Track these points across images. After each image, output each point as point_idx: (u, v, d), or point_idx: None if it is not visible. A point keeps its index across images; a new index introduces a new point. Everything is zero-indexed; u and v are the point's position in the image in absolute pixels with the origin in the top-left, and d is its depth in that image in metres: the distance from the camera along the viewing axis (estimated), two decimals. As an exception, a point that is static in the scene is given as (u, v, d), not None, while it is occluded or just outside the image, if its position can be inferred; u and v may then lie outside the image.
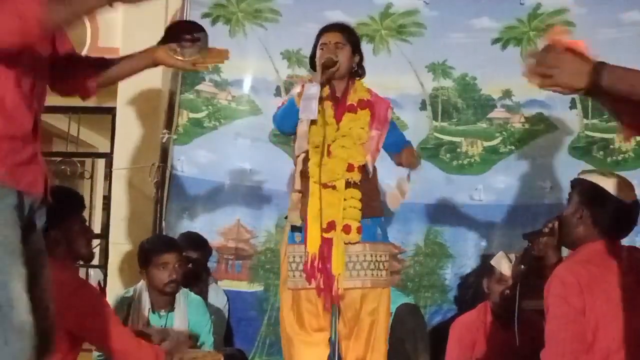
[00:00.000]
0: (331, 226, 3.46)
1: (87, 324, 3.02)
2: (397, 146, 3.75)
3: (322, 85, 3.46)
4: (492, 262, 4.05)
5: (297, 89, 3.59)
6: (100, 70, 2.55)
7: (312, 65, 3.73)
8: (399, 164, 3.71)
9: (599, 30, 4.97)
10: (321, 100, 3.47)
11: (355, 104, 3.60)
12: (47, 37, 2.24)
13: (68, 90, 2.54)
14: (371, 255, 3.52)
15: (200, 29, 2.59)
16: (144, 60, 2.59)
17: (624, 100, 2.39)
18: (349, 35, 3.70)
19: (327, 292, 3.46)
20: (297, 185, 3.54)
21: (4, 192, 2.12)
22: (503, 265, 3.91)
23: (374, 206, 3.60)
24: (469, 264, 4.64)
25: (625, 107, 2.50)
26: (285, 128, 3.63)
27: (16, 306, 2.08)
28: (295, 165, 3.56)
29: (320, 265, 3.44)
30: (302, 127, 3.48)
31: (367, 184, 3.58)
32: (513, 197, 5.10)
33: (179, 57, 2.54)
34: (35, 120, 2.26)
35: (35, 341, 2.10)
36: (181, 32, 2.56)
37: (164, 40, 2.56)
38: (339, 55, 3.58)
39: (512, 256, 3.95)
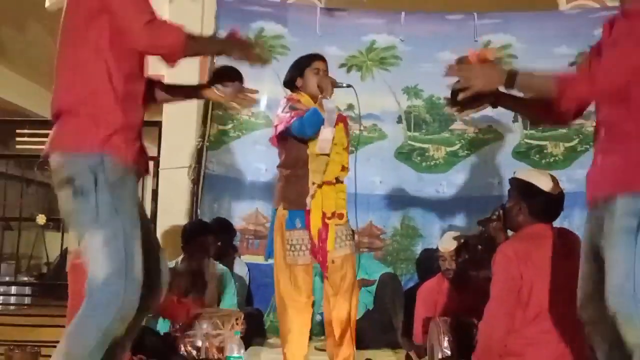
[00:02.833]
0: (332, 215, 3.46)
1: None
2: None
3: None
4: (439, 243, 4.06)
5: (295, 102, 3.51)
6: (162, 92, 2.57)
7: (291, 86, 3.64)
8: None
9: (537, 62, 4.92)
10: None
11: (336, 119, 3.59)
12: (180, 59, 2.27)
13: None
14: (346, 230, 3.54)
15: (238, 76, 2.56)
16: (195, 92, 2.63)
17: (525, 102, 2.44)
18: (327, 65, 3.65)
19: (323, 264, 3.48)
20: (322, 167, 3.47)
21: (130, 176, 2.17)
22: (448, 244, 3.92)
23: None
24: (435, 242, 4.64)
25: (526, 108, 2.55)
26: (309, 133, 3.41)
27: (134, 263, 2.12)
28: (316, 152, 3.44)
29: (320, 244, 3.45)
30: (327, 134, 3.38)
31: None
32: (469, 190, 5.12)
33: (221, 95, 2.56)
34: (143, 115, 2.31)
35: (142, 291, 2.14)
36: (223, 76, 2.55)
37: (211, 79, 2.57)
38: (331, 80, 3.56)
39: (461, 236, 3.96)
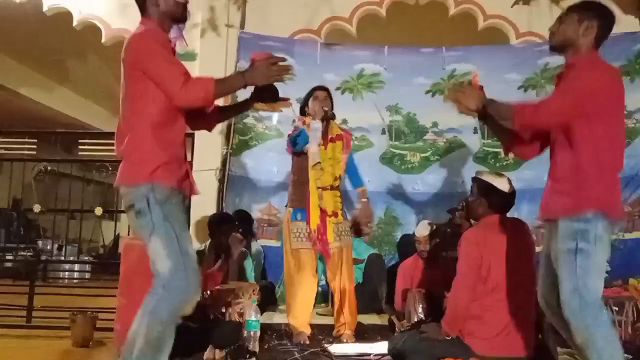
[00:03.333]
0: (326, 213, 3.50)
1: None
2: (356, 179, 3.76)
3: (322, 121, 3.50)
4: (415, 229, 4.03)
5: (301, 123, 3.58)
6: (218, 114, 2.59)
7: (302, 111, 3.70)
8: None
9: (492, 86, 4.87)
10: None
11: (334, 137, 3.60)
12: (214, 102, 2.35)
13: (200, 127, 2.61)
14: (343, 228, 3.59)
15: (274, 89, 2.51)
16: (245, 106, 2.63)
17: (502, 129, 2.44)
18: (329, 93, 3.69)
19: (324, 251, 3.51)
20: (318, 172, 3.51)
21: (174, 195, 2.26)
22: (422, 230, 3.90)
23: (342, 200, 3.64)
24: (412, 229, 4.62)
25: (503, 135, 2.54)
26: (298, 148, 3.54)
27: (190, 258, 2.20)
28: (311, 167, 3.51)
29: (319, 236, 3.46)
30: (314, 148, 3.46)
31: (340, 187, 3.65)
32: (438, 188, 5.11)
33: (264, 105, 2.54)
34: (185, 151, 2.41)
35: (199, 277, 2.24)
36: (265, 90, 2.48)
37: (253, 93, 2.52)
38: (328, 104, 3.59)
39: (433, 224, 3.94)
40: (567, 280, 2.11)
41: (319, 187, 3.50)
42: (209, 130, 2.62)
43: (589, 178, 2.15)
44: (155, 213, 2.17)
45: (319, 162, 3.48)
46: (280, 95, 2.51)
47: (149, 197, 2.18)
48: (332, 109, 3.62)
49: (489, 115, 2.40)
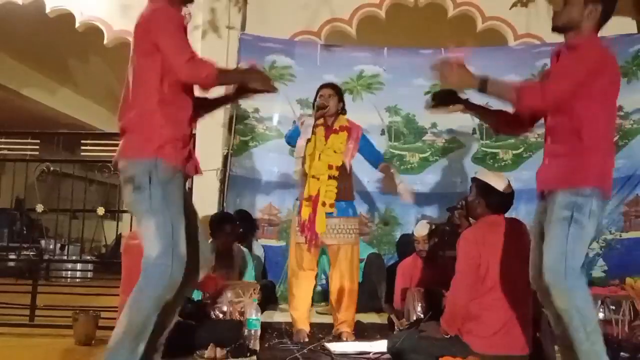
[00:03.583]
0: (315, 200, 3.53)
1: None
2: (374, 158, 3.78)
3: (317, 119, 3.55)
4: (414, 229, 4.03)
5: (300, 123, 3.67)
6: (208, 104, 2.59)
7: (314, 107, 3.76)
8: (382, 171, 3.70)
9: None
10: (317, 127, 3.55)
11: (337, 128, 3.65)
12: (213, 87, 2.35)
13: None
14: (343, 225, 3.56)
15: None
16: (235, 95, 2.60)
17: (487, 110, 2.46)
18: (337, 90, 3.75)
19: (310, 242, 3.53)
20: (299, 164, 3.63)
21: (177, 176, 2.23)
22: (421, 230, 3.91)
23: (348, 193, 3.63)
24: (411, 229, 4.63)
25: (489, 116, 2.56)
26: (291, 142, 3.72)
27: (179, 245, 2.15)
28: (296, 159, 3.63)
29: (308, 225, 3.48)
30: (300, 142, 3.56)
31: (345, 178, 3.61)
32: (438, 188, 5.10)
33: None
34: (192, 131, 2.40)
35: (186, 267, 2.18)
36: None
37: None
38: (330, 102, 3.62)
39: (432, 224, 3.94)
40: (555, 245, 2.15)
41: (312, 176, 3.55)
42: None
43: (590, 156, 2.21)
44: (155, 191, 2.14)
45: (302, 157, 3.56)
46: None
47: (152, 173, 2.15)
48: (342, 105, 3.74)
49: (475, 104, 2.41)
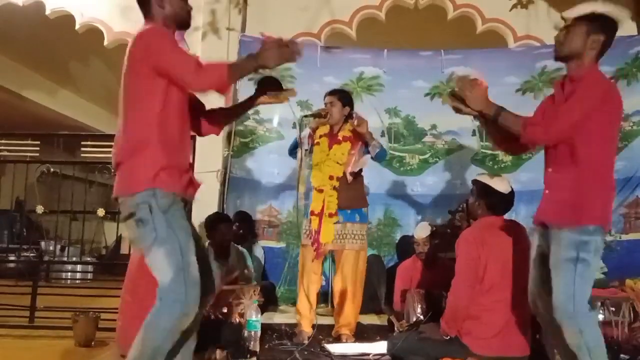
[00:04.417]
0: (318, 214, 3.56)
1: None
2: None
3: (313, 129, 3.56)
4: (414, 231, 4.03)
5: (303, 132, 3.65)
6: (223, 117, 2.55)
7: None
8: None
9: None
10: (322, 136, 3.55)
11: (341, 138, 3.63)
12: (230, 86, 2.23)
13: (207, 131, 2.51)
14: (348, 230, 3.58)
15: (276, 81, 2.52)
16: (250, 104, 2.56)
17: (496, 127, 2.47)
18: (339, 96, 3.71)
19: (317, 252, 3.57)
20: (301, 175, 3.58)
21: (178, 201, 2.15)
22: (421, 232, 3.90)
23: (355, 202, 3.63)
24: (411, 230, 4.64)
25: (496, 132, 2.57)
26: (291, 155, 3.77)
27: (192, 269, 2.08)
28: (299, 169, 3.58)
29: (316, 236, 3.50)
30: (299, 154, 3.55)
31: (351, 187, 3.61)
32: (437, 189, 5.12)
33: (269, 98, 2.50)
34: (190, 157, 2.32)
35: (200, 290, 2.10)
36: (266, 83, 2.50)
37: (257, 89, 2.51)
38: (332, 109, 3.62)
39: (432, 225, 3.94)
40: (563, 286, 2.18)
41: (315, 188, 3.56)
42: (217, 133, 2.55)
43: (592, 194, 2.23)
44: (158, 221, 2.05)
45: (300, 169, 3.55)
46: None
47: (151, 203, 2.06)
48: (349, 110, 3.69)
49: (488, 118, 2.42)
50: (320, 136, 3.63)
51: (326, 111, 3.61)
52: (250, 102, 2.54)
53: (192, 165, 2.36)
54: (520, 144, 2.47)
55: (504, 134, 2.46)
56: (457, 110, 2.45)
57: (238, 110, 2.69)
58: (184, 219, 2.18)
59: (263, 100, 2.51)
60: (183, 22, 2.30)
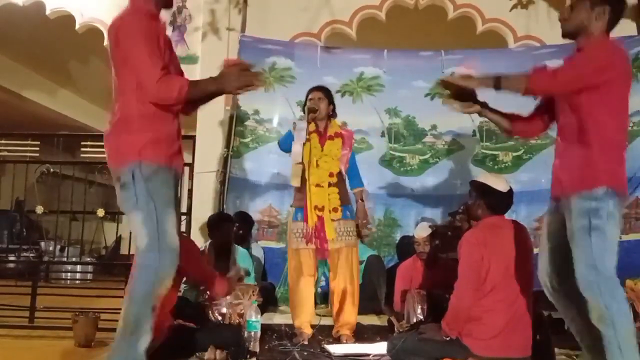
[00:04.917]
0: (321, 209, 3.50)
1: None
2: (352, 178, 3.71)
3: (308, 123, 3.53)
4: (415, 231, 4.02)
5: (293, 127, 3.62)
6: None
7: (304, 112, 3.71)
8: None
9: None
10: (310, 134, 3.54)
11: (333, 135, 3.63)
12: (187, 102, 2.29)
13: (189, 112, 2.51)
14: (343, 227, 3.54)
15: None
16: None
17: (502, 113, 2.46)
18: (326, 93, 3.71)
19: (321, 249, 3.50)
20: (297, 171, 3.54)
21: (162, 171, 2.24)
22: (421, 232, 3.90)
23: (345, 198, 3.62)
24: (411, 231, 4.64)
25: (504, 118, 2.56)
26: (284, 148, 3.67)
27: (168, 235, 2.19)
28: (294, 166, 3.56)
29: (316, 233, 3.47)
30: (297, 148, 3.51)
31: (341, 184, 3.62)
32: (437, 190, 5.09)
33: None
34: (178, 127, 2.36)
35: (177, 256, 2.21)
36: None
37: None
38: (320, 105, 3.61)
39: (432, 226, 3.94)
40: (582, 257, 2.12)
41: (314, 185, 3.53)
42: (186, 114, 2.51)
43: (598, 155, 2.18)
44: (139, 188, 2.18)
45: (301, 163, 3.51)
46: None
47: (135, 171, 2.19)
48: (332, 108, 3.68)
49: (490, 109, 2.42)
50: (310, 133, 3.61)
51: (316, 108, 3.61)
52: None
53: (179, 133, 2.37)
54: (532, 121, 2.46)
55: (516, 120, 2.45)
56: (462, 105, 2.45)
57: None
58: (169, 187, 2.26)
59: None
60: (166, 1, 2.40)
